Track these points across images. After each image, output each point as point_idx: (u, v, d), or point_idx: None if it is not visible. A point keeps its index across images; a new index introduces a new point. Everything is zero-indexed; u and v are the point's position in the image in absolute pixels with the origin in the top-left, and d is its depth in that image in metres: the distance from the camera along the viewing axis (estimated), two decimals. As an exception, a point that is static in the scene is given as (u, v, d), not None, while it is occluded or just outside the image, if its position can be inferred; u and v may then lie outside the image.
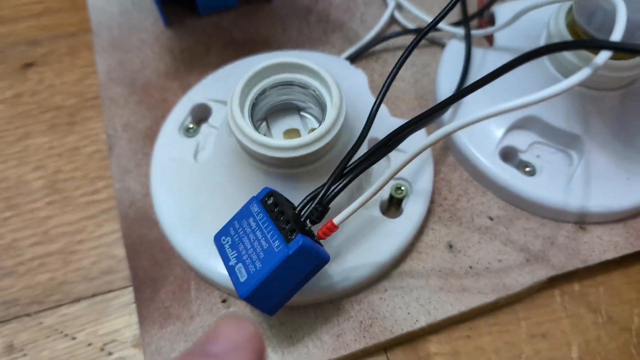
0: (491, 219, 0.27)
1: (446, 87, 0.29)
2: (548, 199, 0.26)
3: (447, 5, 0.27)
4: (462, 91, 0.22)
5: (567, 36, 0.25)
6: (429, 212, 0.27)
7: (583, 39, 0.17)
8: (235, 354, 0.15)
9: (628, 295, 0.27)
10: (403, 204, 0.26)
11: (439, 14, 0.27)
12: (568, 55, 0.25)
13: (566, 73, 0.26)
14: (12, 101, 0.32)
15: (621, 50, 0.17)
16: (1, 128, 0.31)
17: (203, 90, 0.29)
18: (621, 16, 0.18)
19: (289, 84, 0.25)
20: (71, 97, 0.32)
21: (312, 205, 0.22)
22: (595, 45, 0.18)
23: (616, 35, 0.17)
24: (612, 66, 0.24)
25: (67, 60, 0.33)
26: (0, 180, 0.29)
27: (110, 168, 0.29)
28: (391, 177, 0.22)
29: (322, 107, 0.24)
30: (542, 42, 0.27)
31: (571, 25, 0.25)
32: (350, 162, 0.23)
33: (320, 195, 0.22)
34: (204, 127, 0.28)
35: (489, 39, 0.32)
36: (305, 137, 0.22)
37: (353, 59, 0.31)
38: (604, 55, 0.17)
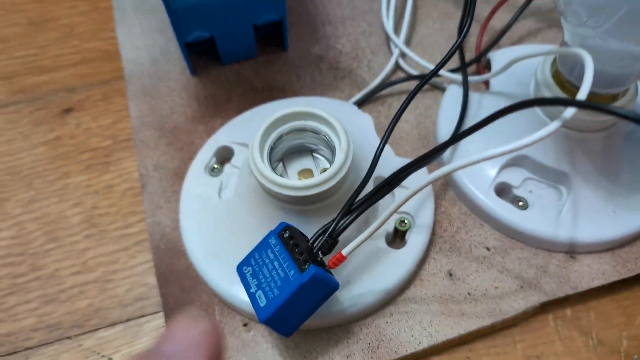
0: (488, 249, 0.30)
1: (446, 128, 0.32)
2: (540, 231, 0.29)
3: (446, 55, 0.30)
4: (458, 135, 0.25)
5: (552, 84, 0.28)
6: (431, 243, 0.30)
7: (553, 97, 0.20)
8: (190, 351, 0.15)
9: (617, 319, 0.29)
10: (407, 236, 0.29)
11: (439, 63, 0.31)
12: (553, 101, 0.28)
13: (552, 116, 0.29)
14: (53, 143, 0.35)
15: (586, 108, 0.20)
16: (44, 168, 0.34)
17: (226, 134, 0.32)
18: (588, 76, 0.20)
19: (302, 130, 0.28)
20: (106, 139, 0.35)
21: (324, 238, 0.25)
22: (563, 102, 0.21)
23: (582, 94, 0.20)
24: (591, 112, 0.27)
25: (102, 105, 0.37)
26: (43, 215, 0.33)
27: (142, 204, 0.32)
28: (394, 212, 0.25)
29: (332, 149, 0.27)
30: (531, 89, 0.30)
31: (556, 74, 0.28)
32: (358, 199, 0.26)
33: (330, 229, 0.25)
34: (227, 167, 0.31)
35: (486, 83, 0.35)
36: (316, 178, 0.25)
37: (361, 103, 0.34)
38: (570, 111, 0.20)
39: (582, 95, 0.20)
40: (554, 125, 0.20)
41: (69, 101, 0.37)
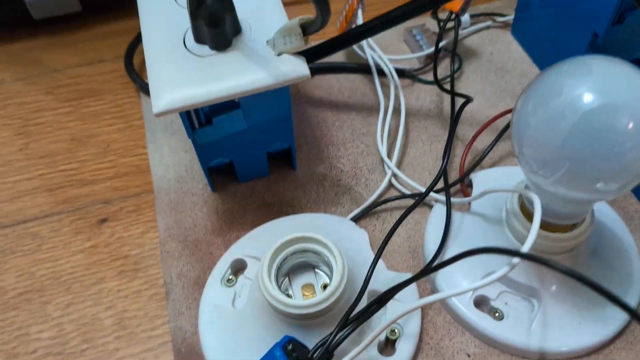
0: (469, 355, 0.33)
1: (432, 244, 0.37)
2: (514, 340, 0.33)
3: (430, 185, 0.36)
4: (438, 265, 0.30)
5: (519, 213, 0.33)
6: (418, 350, 0.34)
7: (499, 247, 0.24)
8: None
9: (586, 422, 0.32)
10: (397, 344, 0.33)
11: (424, 193, 0.36)
12: (519, 227, 0.33)
13: (520, 239, 0.33)
14: (89, 251, 0.41)
15: (526, 259, 0.25)
16: (81, 273, 0.39)
17: (240, 248, 0.37)
18: (536, 222, 0.25)
19: (305, 251, 0.33)
20: (136, 247, 0.40)
21: (322, 350, 0.29)
22: (512, 253, 0.25)
23: (527, 245, 0.25)
24: (555, 238, 0.32)
25: (133, 216, 0.42)
26: (79, 317, 0.37)
27: (167, 309, 0.36)
28: (385, 329, 0.29)
29: (330, 268, 0.32)
30: (503, 214, 0.35)
31: (522, 205, 0.33)
32: (352, 314, 0.30)
33: (327, 343, 0.29)
34: (241, 278, 0.36)
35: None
36: (315, 298, 0.30)
37: (358, 218, 0.39)
38: (515, 260, 0.25)
39: (527, 245, 0.25)
40: (503, 270, 0.25)
41: (104, 212, 0.43)
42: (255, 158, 0.40)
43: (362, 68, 0.48)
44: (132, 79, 0.50)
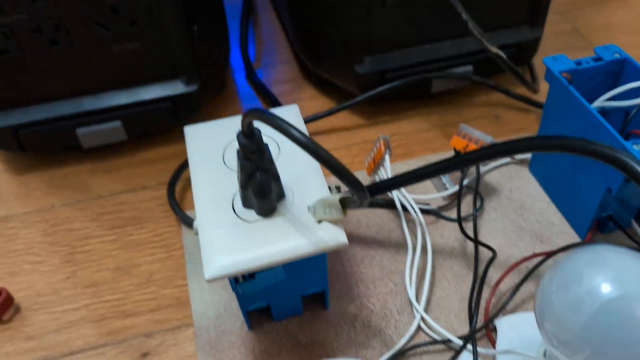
0: None
1: (460, 394, 0.39)
2: None
3: (463, 341, 0.38)
4: None
5: (545, 375, 0.35)
6: None
7: None
8: None
9: None
10: None
11: (458, 349, 0.38)
12: (545, 391, 0.35)
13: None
14: (132, 387, 0.43)
15: None
16: (124, 411, 0.41)
17: (277, 394, 0.39)
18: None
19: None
20: (176, 384, 0.43)
21: None
22: None
23: None
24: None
25: (173, 351, 0.44)
26: None
27: None
28: None
29: None
30: (528, 372, 0.37)
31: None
32: None
33: None
34: None
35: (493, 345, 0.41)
36: None
37: (389, 363, 0.42)
38: None
39: None
40: None
41: (146, 345, 0.45)
42: (291, 301, 0.43)
43: (389, 204, 0.52)
44: (173, 211, 0.54)
